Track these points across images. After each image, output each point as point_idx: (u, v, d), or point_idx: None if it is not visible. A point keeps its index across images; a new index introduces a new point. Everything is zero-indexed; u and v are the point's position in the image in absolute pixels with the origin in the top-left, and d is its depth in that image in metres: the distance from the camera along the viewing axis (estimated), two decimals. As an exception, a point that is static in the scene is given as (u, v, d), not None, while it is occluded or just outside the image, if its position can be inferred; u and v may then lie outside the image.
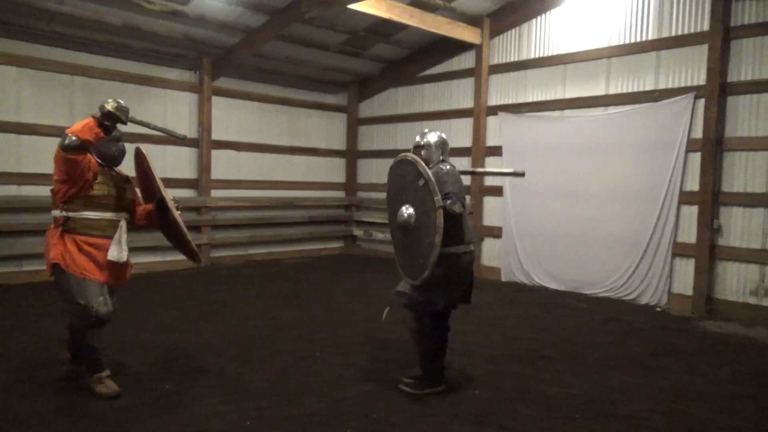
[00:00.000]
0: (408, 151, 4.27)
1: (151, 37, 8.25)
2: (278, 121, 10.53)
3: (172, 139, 9.55)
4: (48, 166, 7.76)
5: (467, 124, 9.51)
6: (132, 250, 9.16)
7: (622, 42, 7.67)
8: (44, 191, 7.78)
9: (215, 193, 9.56)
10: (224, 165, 9.76)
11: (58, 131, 7.78)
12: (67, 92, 8.05)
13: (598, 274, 7.74)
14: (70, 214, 3.82)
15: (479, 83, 9.21)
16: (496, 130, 9.06)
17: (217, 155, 9.59)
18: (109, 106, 3.69)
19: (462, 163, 9.55)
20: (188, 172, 9.34)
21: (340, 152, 11.57)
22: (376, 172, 11.23)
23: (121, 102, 3.75)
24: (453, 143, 9.64)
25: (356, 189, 11.59)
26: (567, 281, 8.03)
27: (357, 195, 11.56)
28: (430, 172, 3.85)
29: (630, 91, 7.60)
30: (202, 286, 7.83)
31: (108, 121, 3.71)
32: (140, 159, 4.20)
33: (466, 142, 9.49)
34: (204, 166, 9.34)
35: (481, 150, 9.23)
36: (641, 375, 4.67)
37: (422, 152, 4.25)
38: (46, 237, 3.95)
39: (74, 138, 3.59)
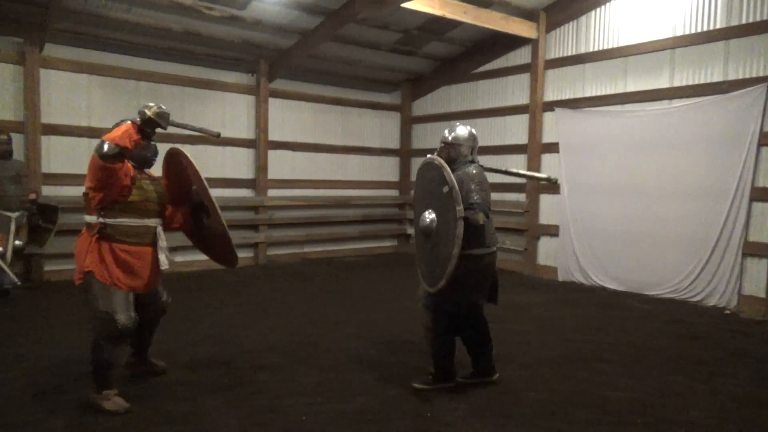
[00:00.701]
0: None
1: (210, 42, 8.53)
2: (332, 121, 10.66)
3: (229, 140, 9.84)
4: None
5: (523, 120, 9.33)
6: (188, 248, 9.44)
7: (687, 32, 7.32)
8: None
9: (271, 192, 9.78)
10: (280, 165, 9.97)
11: (125, 134, 8.31)
12: (132, 97, 8.43)
13: (661, 275, 7.43)
14: (107, 220, 3.66)
15: (535, 79, 9.01)
16: (553, 127, 8.85)
17: (273, 155, 9.81)
18: (150, 112, 3.60)
19: (518, 162, 9.40)
20: (246, 172, 9.59)
21: (393, 151, 11.60)
22: (429, 170, 11.18)
23: (163, 107, 3.68)
24: (508, 140, 9.61)
25: (409, 187, 11.59)
26: (627, 281, 7.75)
27: (410, 193, 11.55)
28: (455, 180, 3.72)
29: (696, 83, 7.24)
30: (259, 284, 8.03)
31: (149, 127, 3.63)
32: (177, 160, 4.02)
33: (522, 139, 9.31)
34: (261, 166, 9.58)
35: (537, 147, 9.04)
36: (707, 380, 4.45)
37: (450, 150, 4.14)
38: (77, 243, 3.78)
39: (113, 146, 3.44)
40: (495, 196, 9.97)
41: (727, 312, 6.71)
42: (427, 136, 11.27)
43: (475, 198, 3.82)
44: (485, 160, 10.59)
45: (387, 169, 11.56)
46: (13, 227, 6.54)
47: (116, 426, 3.46)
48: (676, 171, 7.30)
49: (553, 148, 8.79)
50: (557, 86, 8.88)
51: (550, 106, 8.89)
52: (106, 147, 3.44)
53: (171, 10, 7.55)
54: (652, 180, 7.51)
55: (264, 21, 8.19)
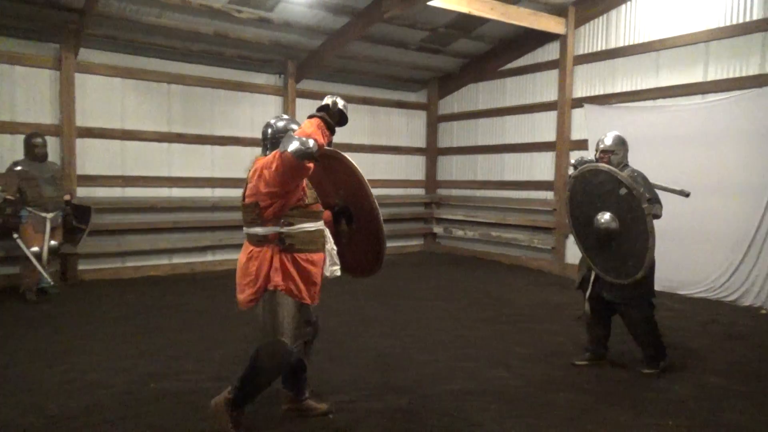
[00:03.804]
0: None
1: (240, 43, 8.64)
2: (360, 120, 10.69)
3: (258, 141, 9.98)
4: (149, 169, 8.44)
5: (551, 117, 9.22)
6: (225, 247, 9.57)
7: (722, 24, 7.14)
8: (147, 192, 8.43)
9: (300, 192, 9.84)
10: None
11: (158, 137, 8.49)
12: (164, 100, 8.61)
13: (695, 274, 7.27)
14: (288, 229, 3.24)
15: (564, 75, 8.90)
16: (582, 123, 8.72)
17: (301, 155, 9.87)
18: (341, 104, 3.20)
19: (547, 159, 9.31)
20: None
21: (420, 150, 11.58)
22: (456, 168, 11.15)
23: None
24: (536, 137, 9.52)
25: (437, 186, 11.56)
26: (661, 280, 7.44)
27: (437, 192, 11.53)
28: (631, 181, 4.15)
29: (732, 76, 7.06)
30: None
31: (341, 124, 3.25)
32: (331, 162, 3.53)
33: (551, 136, 9.21)
34: (289, 166, 9.65)
35: (566, 144, 8.92)
36: (746, 382, 4.35)
37: (611, 156, 4.59)
38: (246, 261, 3.32)
39: (314, 143, 2.98)
40: (522, 194, 9.99)
41: (763, 312, 6.53)
42: (453, 135, 11.22)
43: (649, 194, 4.31)
44: (513, 158, 10.58)
45: (414, 167, 11.54)
46: (48, 228, 6.73)
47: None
48: (710, 167, 7.12)
49: (582, 145, 8.66)
50: (587, 82, 8.75)
51: (579, 102, 8.76)
52: (311, 144, 2.96)
53: (201, 14, 7.68)
54: (686, 177, 7.30)
55: (292, 22, 8.26)
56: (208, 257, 9.02)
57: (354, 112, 10.55)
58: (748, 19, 6.92)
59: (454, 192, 11.10)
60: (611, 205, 4.28)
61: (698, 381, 4.36)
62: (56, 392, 3.98)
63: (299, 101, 9.77)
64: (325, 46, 9.03)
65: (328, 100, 3.18)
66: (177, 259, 8.72)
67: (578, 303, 6.88)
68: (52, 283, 6.86)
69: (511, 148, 9.98)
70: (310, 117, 3.15)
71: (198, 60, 8.86)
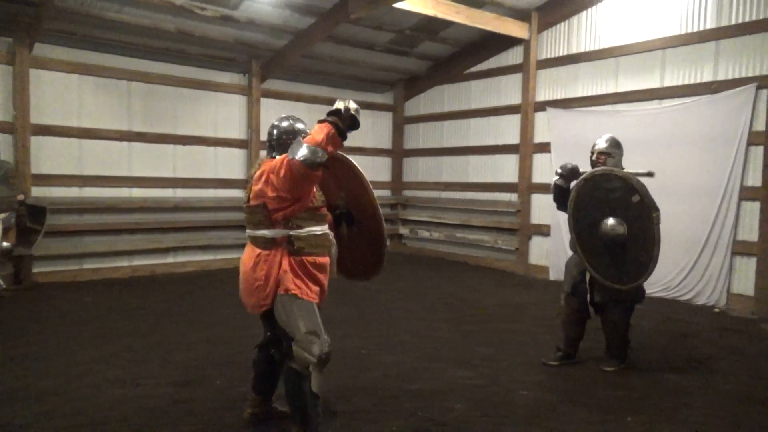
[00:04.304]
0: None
1: (203, 42, 8.50)
2: (326, 121, 10.63)
3: (222, 140, 9.81)
4: (108, 168, 8.21)
5: (515, 120, 9.36)
6: (188, 248, 9.44)
7: (678, 32, 7.38)
8: (105, 192, 8.20)
9: (265, 192, 9.74)
10: (273, 165, 9.93)
11: (117, 135, 8.28)
12: (124, 97, 8.39)
13: (653, 274, 7.43)
14: (298, 232, 3.18)
15: (527, 79, 9.05)
16: (545, 127, 8.89)
17: (266, 156, 9.77)
18: (353, 108, 3.01)
19: (511, 162, 9.45)
20: (238, 173, 9.56)
21: (386, 151, 11.61)
22: (422, 170, 11.21)
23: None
24: (501, 140, 9.65)
25: (402, 187, 11.60)
26: (620, 280, 7.79)
27: (403, 194, 11.57)
28: (645, 189, 4.25)
29: (687, 83, 7.30)
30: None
31: (353, 128, 3.04)
32: (335, 165, 3.37)
33: (515, 138, 9.35)
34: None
35: (529, 147, 9.07)
36: (701, 378, 4.50)
37: (608, 159, 4.67)
38: (251, 265, 3.21)
39: (323, 152, 2.91)
40: (487, 196, 10.09)
41: (717, 310, 6.77)
42: (419, 136, 11.28)
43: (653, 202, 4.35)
44: (478, 160, 10.70)
45: (380, 169, 11.55)
46: (0, 229, 6.49)
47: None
48: (667, 170, 7.30)
49: (545, 147, 8.83)
50: (549, 86, 8.92)
51: (542, 106, 8.93)
52: (319, 155, 2.89)
53: (163, 10, 7.52)
54: (644, 179, 7.53)
55: (257, 21, 8.17)
56: (170, 259, 8.83)
57: (320, 112, 10.42)
58: (701, 28, 7.17)
59: (420, 193, 11.17)
60: (620, 211, 4.35)
61: (656, 378, 4.49)
62: (7, 400, 3.83)
63: (264, 101, 9.67)
64: (290, 46, 8.96)
65: (339, 105, 3.01)
66: (137, 261, 8.51)
67: (542, 303, 7.02)
68: (4, 286, 6.62)
69: (476, 150, 10.10)
70: (321, 121, 3.00)
71: (160, 57, 8.67)
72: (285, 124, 3.38)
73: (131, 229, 8.38)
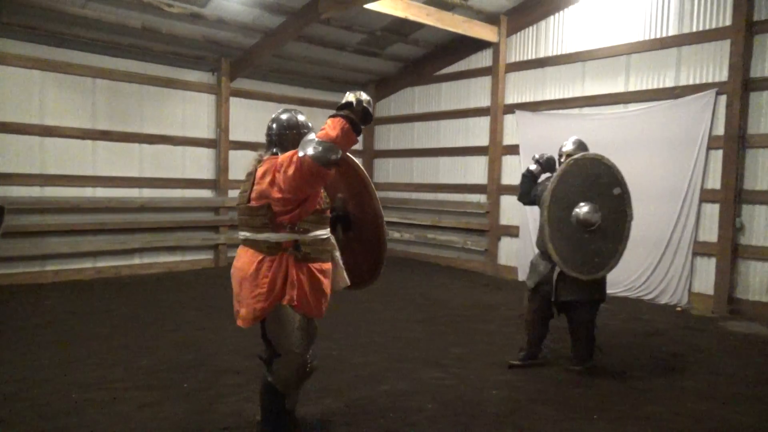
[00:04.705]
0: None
1: (171, 39, 8.35)
2: (296, 121, 10.57)
3: (190, 140, 9.66)
4: (71, 167, 8.00)
5: (484, 122, 9.47)
6: (154, 250, 9.27)
7: (641, 38, 7.57)
8: (68, 192, 7.98)
9: (234, 193, 9.64)
10: (243, 165, 9.76)
11: (81, 133, 8.07)
12: (88, 95, 8.19)
13: (617, 274, 7.54)
14: (305, 236, 3.00)
15: (496, 81, 9.16)
16: (514, 129, 9.01)
17: (235, 156, 9.66)
18: (365, 101, 2.80)
19: (480, 163, 9.54)
20: (206, 172, 9.43)
21: (357, 152, 11.57)
22: (393, 171, 11.24)
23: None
24: (470, 142, 9.74)
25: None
26: (586, 280, 7.95)
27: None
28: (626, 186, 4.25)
29: (650, 87, 7.50)
30: (222, 285, 7.88)
31: (364, 122, 2.82)
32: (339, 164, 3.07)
33: (484, 140, 9.45)
34: (222, 166, 9.43)
35: (498, 149, 9.19)
36: (664, 375, 4.62)
37: None
38: (245, 270, 3.04)
39: (339, 149, 2.72)
40: (457, 197, 10.17)
41: (679, 309, 6.97)
42: (390, 137, 11.31)
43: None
44: (448, 162, 10.77)
45: (350, 169, 11.51)
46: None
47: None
48: (631, 173, 7.37)
49: (514, 150, 8.95)
50: (518, 89, 9.04)
51: (511, 108, 9.05)
52: (333, 153, 2.68)
53: (129, 6, 7.37)
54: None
55: (226, 19, 8.07)
56: (136, 260, 8.65)
57: (290, 112, 10.49)
58: (664, 35, 7.37)
59: (391, 194, 11.19)
60: (599, 199, 4.35)
61: (621, 376, 4.59)
62: (-35, 407, 3.70)
63: (233, 100, 9.56)
64: (260, 45, 8.88)
65: (350, 97, 2.80)
66: (102, 263, 8.31)
67: (511, 303, 7.11)
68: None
69: (446, 151, 10.18)
70: (333, 116, 2.79)
71: (126, 54, 8.48)
72: (285, 116, 3.18)
73: (95, 230, 8.18)
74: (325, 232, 3.11)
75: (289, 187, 2.79)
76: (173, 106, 9.02)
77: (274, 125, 3.18)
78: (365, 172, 3.26)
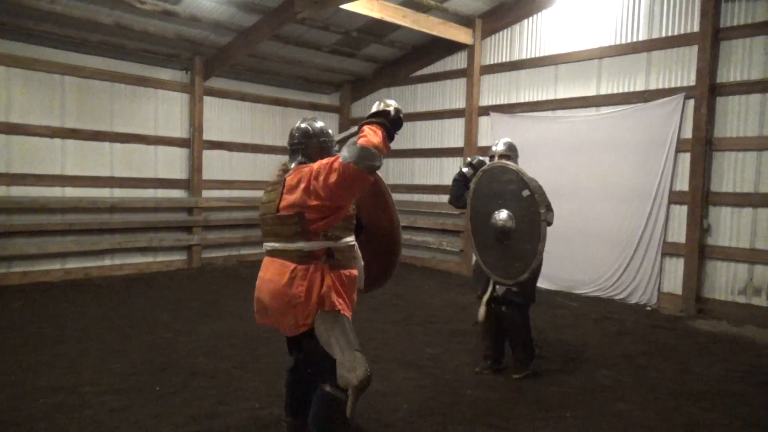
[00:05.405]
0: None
1: (143, 36, 8.21)
2: (272, 121, 10.51)
3: (163, 139, 9.52)
4: (39, 166, 7.80)
5: (459, 124, 9.54)
6: (125, 251, 9.10)
7: (613, 43, 7.72)
8: (36, 192, 7.79)
9: (208, 193, 9.52)
10: (217, 165, 9.73)
11: (49, 132, 7.88)
12: (57, 92, 7.99)
13: (589, 274, 7.79)
14: (337, 243, 2.99)
15: (471, 83, 9.24)
16: (488, 131, 9.09)
17: (209, 155, 9.56)
18: (394, 109, 2.89)
19: (455, 165, 9.59)
20: (179, 172, 9.29)
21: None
22: (368, 172, 11.22)
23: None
24: (445, 143, 9.80)
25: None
26: (559, 280, 8.06)
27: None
28: (533, 184, 4.21)
29: (621, 91, 7.65)
30: (195, 287, 7.80)
31: (396, 129, 2.89)
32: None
33: (459, 142, 9.52)
34: (195, 166, 9.31)
35: (473, 150, 9.24)
36: (634, 374, 4.71)
37: (508, 161, 4.61)
38: (285, 283, 2.91)
39: (381, 155, 2.71)
40: (433, 198, 10.22)
41: (648, 308, 7.11)
42: (366, 138, 11.28)
43: (546, 201, 4.35)
44: (423, 163, 10.79)
45: (326, 170, 11.47)
46: None
47: (42, 440, 3.28)
48: (603, 175, 7.67)
49: (488, 151, 8.94)
50: (492, 91, 9.13)
51: (486, 110, 9.13)
52: (379, 158, 2.68)
53: (100, 2, 7.22)
54: (582, 183, 7.86)
55: (199, 17, 7.97)
56: (106, 261, 8.48)
57: (265, 112, 10.45)
58: (634, 40, 7.53)
59: (366, 195, 11.18)
60: (512, 205, 4.34)
61: (592, 374, 4.67)
62: (-73, 413, 3.58)
63: (207, 99, 9.45)
64: (234, 44, 8.79)
65: (388, 107, 2.86)
66: (71, 264, 8.12)
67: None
68: None
69: (422, 152, 10.22)
70: (369, 124, 2.81)
71: (96, 51, 8.30)
72: (305, 125, 3.19)
73: (64, 231, 7.99)
74: (352, 239, 3.11)
75: (330, 194, 2.77)
76: (145, 104, 8.87)
77: (297, 134, 3.17)
78: (380, 176, 3.23)
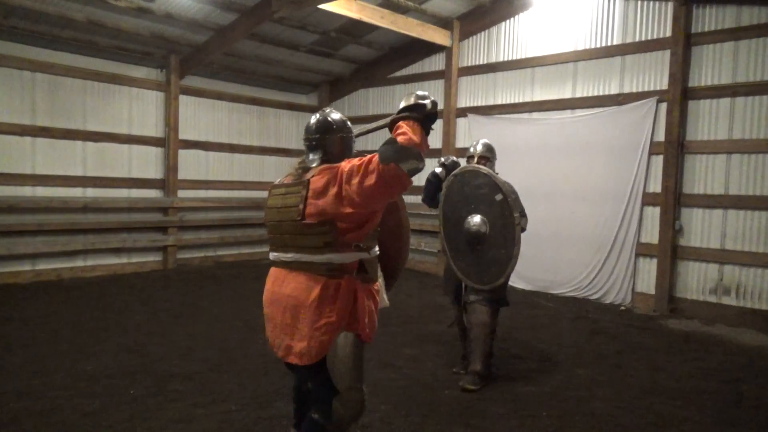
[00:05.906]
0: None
1: (116, 34, 8.06)
2: (248, 120, 10.43)
3: (137, 138, 9.36)
4: (8, 165, 7.61)
5: (437, 125, 9.57)
6: (98, 251, 8.94)
7: (588, 46, 7.83)
8: (5, 191, 7.59)
9: (183, 193, 9.40)
10: (193, 165, 9.61)
11: (19, 130, 7.69)
12: (27, 89, 7.81)
13: (565, 274, 7.88)
14: (368, 255, 2.67)
15: (449, 85, 9.28)
16: (466, 132, 9.15)
17: (185, 155, 9.43)
18: (430, 102, 2.56)
19: (432, 165, 9.61)
20: (154, 172, 9.16)
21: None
22: (346, 172, 11.20)
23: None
24: (423, 144, 9.80)
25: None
26: (535, 281, 8.15)
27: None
28: (506, 188, 4.15)
29: (596, 94, 7.75)
30: (170, 288, 7.68)
31: (430, 124, 2.57)
32: None
33: (437, 143, 9.55)
34: (171, 166, 9.18)
35: (451, 152, 9.29)
36: (608, 372, 4.78)
37: (485, 163, 4.57)
38: (315, 300, 2.53)
39: (423, 155, 2.42)
40: (411, 198, 10.22)
41: (623, 308, 7.22)
42: (344, 139, 11.26)
43: (520, 206, 4.30)
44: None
45: (303, 170, 11.42)
46: None
47: (10, 446, 3.19)
48: (578, 176, 7.77)
49: (466, 153, 9.05)
50: (470, 93, 9.19)
51: (464, 112, 9.18)
52: (422, 160, 2.37)
53: (72, -2, 7.08)
54: (557, 184, 7.95)
55: (175, 14, 7.86)
56: (79, 263, 8.31)
57: (242, 112, 10.36)
58: (609, 44, 7.64)
59: (344, 196, 11.16)
60: (484, 209, 4.28)
61: (568, 373, 4.72)
62: None
63: (183, 98, 9.32)
64: (211, 42, 8.69)
65: (426, 101, 2.54)
66: (42, 265, 7.93)
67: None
68: None
69: (400, 153, 10.20)
70: (405, 119, 2.50)
71: (68, 48, 8.13)
72: (323, 118, 2.80)
73: (34, 231, 7.80)
74: (377, 249, 2.78)
75: (366, 198, 2.43)
76: (119, 102, 8.71)
77: (315, 127, 2.77)
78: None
